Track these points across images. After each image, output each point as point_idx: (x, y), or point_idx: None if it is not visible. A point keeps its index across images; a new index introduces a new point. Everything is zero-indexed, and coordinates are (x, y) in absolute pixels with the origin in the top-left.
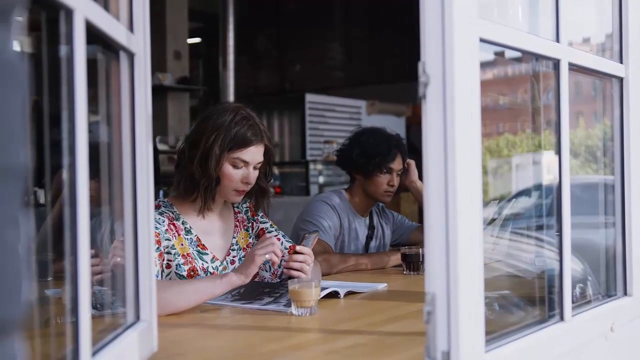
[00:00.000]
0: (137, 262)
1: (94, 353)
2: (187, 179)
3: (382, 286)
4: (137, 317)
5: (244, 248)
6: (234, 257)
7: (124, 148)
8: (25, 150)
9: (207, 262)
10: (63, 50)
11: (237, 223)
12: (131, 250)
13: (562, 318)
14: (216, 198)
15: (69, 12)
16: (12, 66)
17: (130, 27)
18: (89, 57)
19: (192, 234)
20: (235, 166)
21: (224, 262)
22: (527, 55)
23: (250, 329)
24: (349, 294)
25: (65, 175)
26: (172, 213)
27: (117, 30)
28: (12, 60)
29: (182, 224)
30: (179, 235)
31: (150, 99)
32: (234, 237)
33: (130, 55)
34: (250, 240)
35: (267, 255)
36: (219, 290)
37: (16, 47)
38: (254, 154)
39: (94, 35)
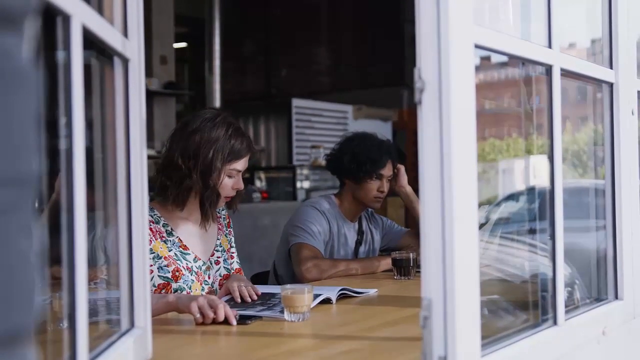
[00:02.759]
0: (132, 269)
1: None
2: (183, 189)
3: (373, 292)
4: (132, 324)
5: (226, 250)
6: (218, 257)
7: (118, 153)
8: (37, 158)
9: (190, 262)
10: (60, 55)
11: (220, 226)
12: (125, 257)
13: (555, 322)
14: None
15: (66, 18)
16: (25, 74)
17: (125, 33)
18: (84, 63)
19: (174, 235)
20: (230, 176)
21: (208, 262)
22: (515, 60)
23: (244, 335)
24: (342, 297)
25: (61, 180)
26: (152, 216)
27: (113, 36)
28: (24, 68)
29: (163, 226)
30: (160, 237)
31: (145, 105)
32: (218, 239)
33: (125, 61)
34: (229, 245)
35: (197, 316)
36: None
37: (27, 54)
38: (246, 162)
39: (89, 41)
